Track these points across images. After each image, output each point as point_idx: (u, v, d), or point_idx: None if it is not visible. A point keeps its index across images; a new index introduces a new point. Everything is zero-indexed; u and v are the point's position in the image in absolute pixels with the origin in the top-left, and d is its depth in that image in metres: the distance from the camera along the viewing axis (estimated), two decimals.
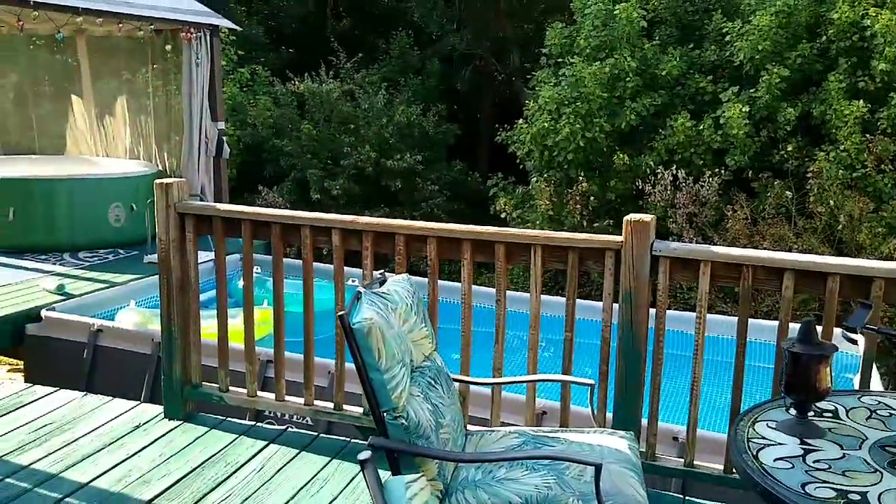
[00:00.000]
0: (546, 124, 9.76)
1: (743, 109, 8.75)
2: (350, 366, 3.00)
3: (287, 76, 13.68)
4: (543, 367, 3.38)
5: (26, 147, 9.45)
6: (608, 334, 3.16)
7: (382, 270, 2.73)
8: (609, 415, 3.21)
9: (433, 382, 2.54)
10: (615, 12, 9.83)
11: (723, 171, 9.02)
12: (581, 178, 9.67)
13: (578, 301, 3.26)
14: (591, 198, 9.76)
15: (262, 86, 13.54)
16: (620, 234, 3.07)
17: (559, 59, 10.57)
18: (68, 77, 9.49)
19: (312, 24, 16.15)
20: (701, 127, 9.18)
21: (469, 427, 2.88)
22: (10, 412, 3.98)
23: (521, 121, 10.59)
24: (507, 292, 3.31)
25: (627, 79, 9.58)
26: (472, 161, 14.16)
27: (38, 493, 3.20)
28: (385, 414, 2.25)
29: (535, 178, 10.35)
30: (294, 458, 3.53)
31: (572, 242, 3.15)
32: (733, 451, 2.03)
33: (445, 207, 12.51)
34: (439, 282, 3.41)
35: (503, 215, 10.53)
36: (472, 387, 3.34)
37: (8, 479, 3.30)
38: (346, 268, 3.56)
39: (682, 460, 3.21)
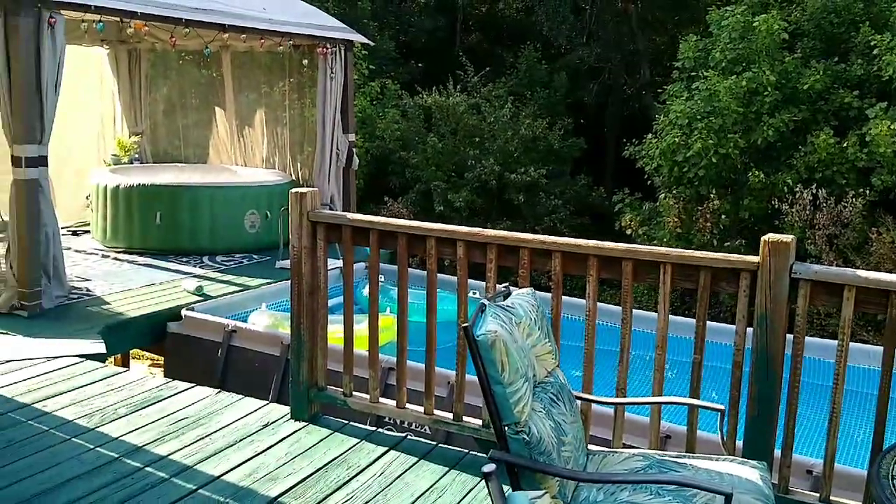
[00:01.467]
0: (676, 139, 9.51)
1: (891, 127, 8.23)
2: (470, 377, 3.01)
3: (415, 89, 13.96)
4: (668, 390, 3.28)
5: (173, 156, 10.07)
6: (740, 359, 3.03)
7: (507, 283, 2.72)
8: (739, 443, 3.08)
9: (555, 399, 2.52)
10: (754, 24, 9.47)
11: (868, 192, 8.51)
12: (712, 195, 9.35)
13: (707, 323, 3.15)
14: (723, 216, 9.42)
15: (391, 99, 13.86)
16: (755, 255, 2.95)
17: (692, 73, 10.28)
18: (213, 90, 10.04)
19: (442, 39, 16.43)
20: (845, 144, 8.70)
21: (590, 447, 2.82)
22: (152, 405, 4.23)
23: (649, 135, 10.37)
24: (632, 310, 3.23)
25: (766, 93, 9.20)
26: (597, 175, 13.97)
27: (174, 483, 3.38)
28: (507, 428, 2.25)
29: (663, 195, 10.10)
30: (413, 465, 3.57)
31: (704, 262, 3.05)
32: (875, 487, 1.91)
33: (569, 222, 12.38)
34: (562, 297, 3.38)
35: (628, 232, 10.32)
36: (594, 406, 3.28)
37: (148, 468, 3.50)
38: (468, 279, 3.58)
39: (818, 495, 3.03)
